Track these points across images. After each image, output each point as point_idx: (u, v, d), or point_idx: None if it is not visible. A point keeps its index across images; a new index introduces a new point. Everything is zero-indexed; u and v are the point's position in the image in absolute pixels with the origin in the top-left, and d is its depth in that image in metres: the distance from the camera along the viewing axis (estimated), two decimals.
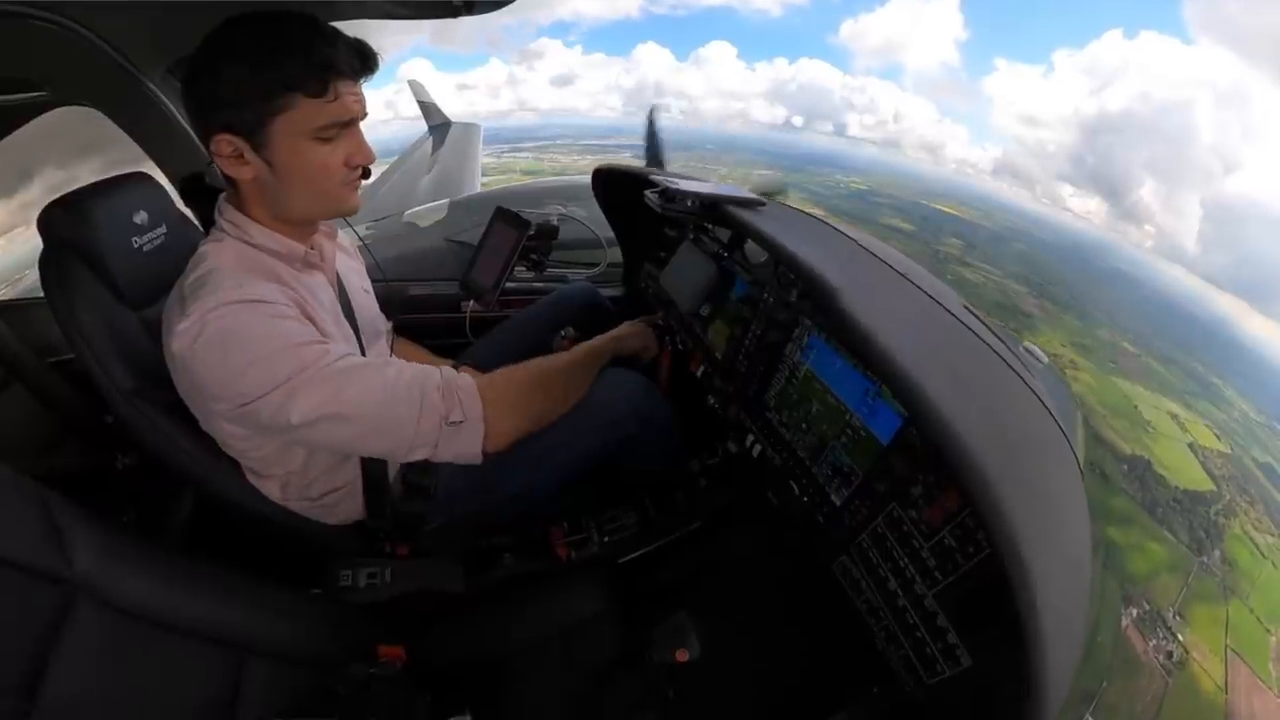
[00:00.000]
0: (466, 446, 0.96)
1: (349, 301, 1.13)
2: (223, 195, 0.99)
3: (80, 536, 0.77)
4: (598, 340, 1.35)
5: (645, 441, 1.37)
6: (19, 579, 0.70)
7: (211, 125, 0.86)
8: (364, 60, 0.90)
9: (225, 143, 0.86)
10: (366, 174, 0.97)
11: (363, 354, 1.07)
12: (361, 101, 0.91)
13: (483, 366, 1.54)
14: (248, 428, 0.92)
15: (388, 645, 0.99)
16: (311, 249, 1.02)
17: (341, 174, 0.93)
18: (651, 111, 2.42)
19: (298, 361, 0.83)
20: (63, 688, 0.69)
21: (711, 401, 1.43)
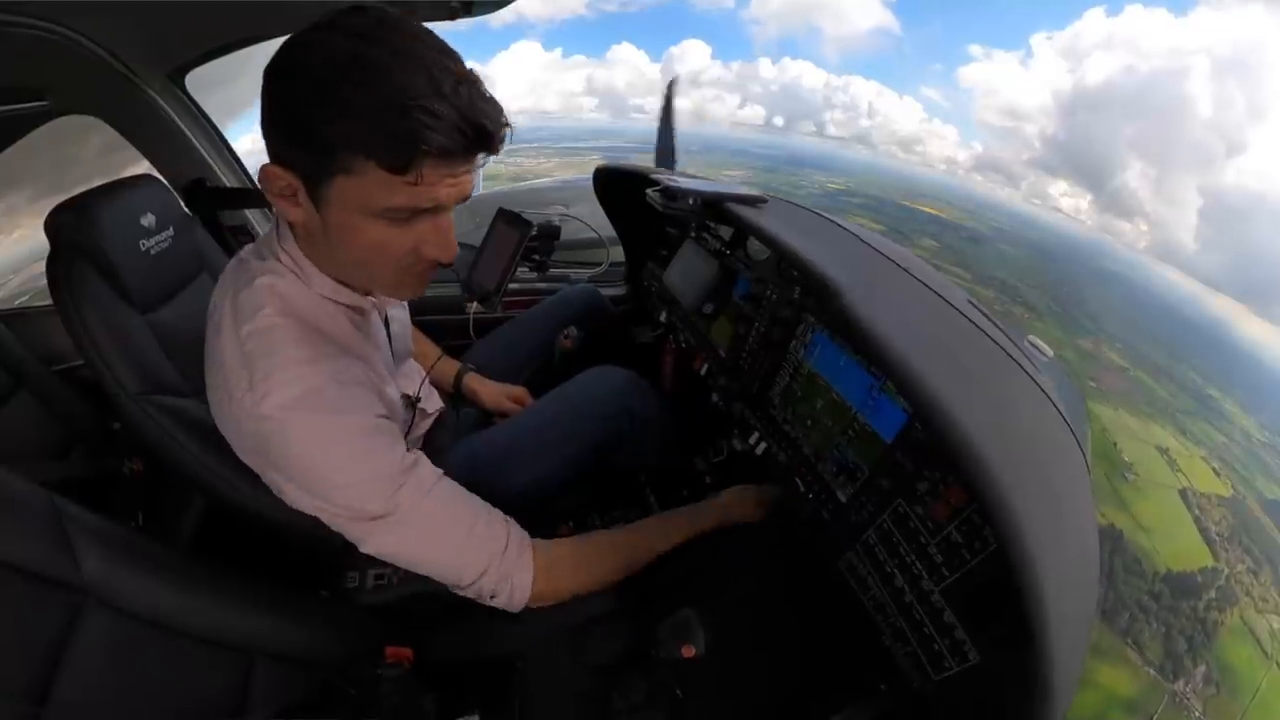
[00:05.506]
0: (501, 606, 0.91)
1: (388, 326, 1.04)
2: (280, 214, 0.80)
3: (88, 542, 0.77)
4: (704, 511, 1.17)
5: (634, 437, 1.37)
6: (28, 585, 0.70)
7: (269, 147, 0.67)
8: (479, 139, 0.65)
9: (276, 176, 0.67)
10: (444, 265, 0.79)
11: (394, 381, 1.00)
12: (461, 186, 0.69)
13: (486, 365, 1.56)
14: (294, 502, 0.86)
15: (395, 646, 0.99)
16: (371, 296, 0.90)
17: (404, 261, 0.75)
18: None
19: (386, 502, 0.76)
20: (72, 692, 0.69)
21: (715, 399, 1.43)
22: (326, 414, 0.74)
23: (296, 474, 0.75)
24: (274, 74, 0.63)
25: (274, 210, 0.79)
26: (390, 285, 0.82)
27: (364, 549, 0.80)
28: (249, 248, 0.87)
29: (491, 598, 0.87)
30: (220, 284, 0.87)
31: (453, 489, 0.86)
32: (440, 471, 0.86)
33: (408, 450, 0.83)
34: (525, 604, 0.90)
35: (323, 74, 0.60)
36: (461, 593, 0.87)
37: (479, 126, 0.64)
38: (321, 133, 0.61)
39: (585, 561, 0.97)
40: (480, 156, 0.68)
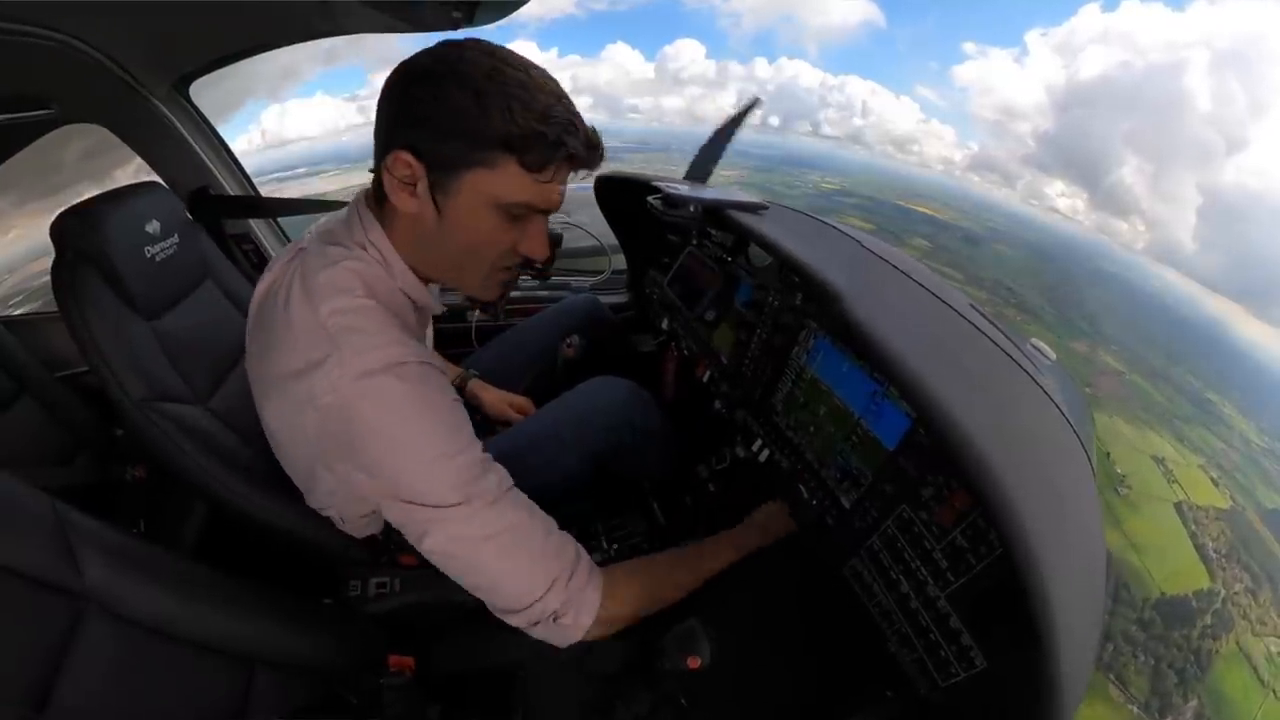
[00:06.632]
0: (554, 639, 0.86)
1: None
2: (366, 201, 0.86)
3: (90, 548, 0.77)
4: (749, 532, 1.18)
5: (635, 447, 1.37)
6: (29, 591, 0.69)
7: (397, 140, 0.73)
8: (591, 153, 0.77)
9: (404, 164, 0.74)
10: (528, 265, 0.87)
11: None
12: (563, 196, 0.80)
13: (487, 373, 1.56)
14: (354, 494, 0.84)
15: (398, 655, 0.99)
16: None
17: (502, 257, 0.83)
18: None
19: (464, 490, 0.75)
20: (73, 698, 0.68)
21: (718, 406, 1.43)
22: (419, 387, 0.75)
23: (375, 449, 0.74)
24: (422, 78, 0.71)
25: (361, 203, 0.86)
26: (479, 280, 0.87)
27: (423, 545, 0.78)
28: (314, 237, 0.87)
29: (554, 619, 0.82)
30: (278, 269, 0.87)
31: (524, 497, 0.85)
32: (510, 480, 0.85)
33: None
34: (587, 629, 0.84)
35: (480, 82, 0.69)
36: (515, 618, 0.82)
37: (596, 143, 0.77)
38: (478, 129, 0.70)
39: (650, 584, 0.95)
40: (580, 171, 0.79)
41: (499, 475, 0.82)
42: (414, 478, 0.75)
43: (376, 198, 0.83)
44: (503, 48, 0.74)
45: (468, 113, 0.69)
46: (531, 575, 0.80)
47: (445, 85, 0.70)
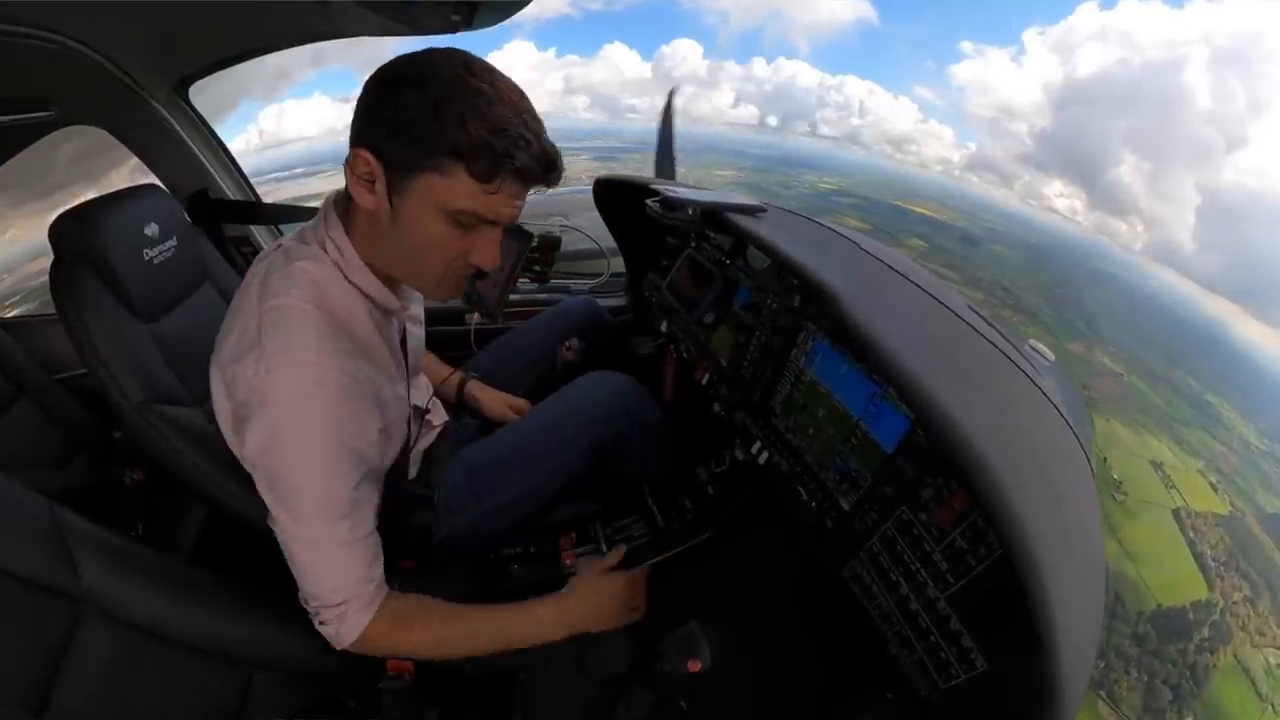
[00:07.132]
0: (326, 637, 0.89)
1: (405, 337, 1.06)
2: (334, 202, 0.89)
3: (88, 551, 0.77)
4: (548, 620, 1.04)
5: (633, 442, 1.37)
6: (28, 594, 0.70)
7: (361, 139, 0.76)
8: (546, 171, 0.78)
9: (363, 161, 0.76)
10: (480, 275, 0.88)
11: (408, 388, 1.03)
12: (516, 209, 0.81)
13: (486, 376, 1.56)
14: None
15: (396, 659, 0.98)
16: (400, 299, 0.95)
17: (451, 264, 0.84)
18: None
19: (315, 524, 0.81)
20: (71, 700, 0.68)
21: (717, 408, 1.43)
22: (318, 415, 0.78)
23: (259, 445, 0.78)
24: (391, 82, 0.74)
25: (329, 203, 0.88)
26: (433, 281, 0.88)
27: (269, 520, 0.83)
28: (292, 235, 0.91)
29: (321, 624, 0.87)
30: (256, 263, 0.91)
31: (363, 545, 0.87)
32: (373, 520, 0.90)
33: (366, 483, 0.87)
34: (349, 644, 0.88)
35: (440, 90, 0.71)
36: (306, 603, 0.88)
37: (551, 161, 0.77)
38: (431, 135, 0.71)
39: (434, 643, 0.94)
40: (535, 189, 0.81)
41: (351, 523, 0.84)
42: (282, 490, 0.80)
43: (346, 198, 0.86)
44: (479, 60, 0.75)
45: (424, 118, 0.71)
46: (332, 586, 0.85)
47: (408, 90, 0.72)
